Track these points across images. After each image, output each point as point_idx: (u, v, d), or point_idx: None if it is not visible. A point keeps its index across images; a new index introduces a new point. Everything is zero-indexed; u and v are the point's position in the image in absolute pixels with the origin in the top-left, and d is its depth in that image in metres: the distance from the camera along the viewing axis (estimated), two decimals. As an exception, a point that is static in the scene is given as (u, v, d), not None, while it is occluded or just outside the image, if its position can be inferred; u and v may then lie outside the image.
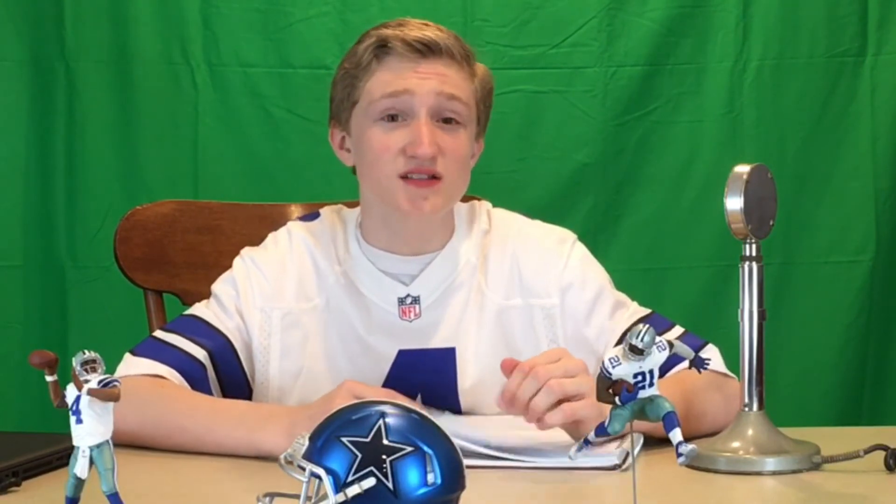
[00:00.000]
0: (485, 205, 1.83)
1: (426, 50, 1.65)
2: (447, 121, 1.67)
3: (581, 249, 1.78)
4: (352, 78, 1.70)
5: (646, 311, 1.76)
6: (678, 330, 1.72)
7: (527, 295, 1.73)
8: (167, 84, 2.81)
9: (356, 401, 1.14)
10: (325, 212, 1.81)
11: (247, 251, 1.79)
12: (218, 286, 1.76)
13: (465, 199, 1.84)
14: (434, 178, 1.65)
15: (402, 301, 1.72)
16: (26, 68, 2.80)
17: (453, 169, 1.66)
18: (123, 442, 1.37)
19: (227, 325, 1.72)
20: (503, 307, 1.73)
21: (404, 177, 1.65)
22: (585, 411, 1.46)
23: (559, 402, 1.46)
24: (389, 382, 1.68)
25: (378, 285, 1.72)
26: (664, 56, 2.85)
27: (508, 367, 1.50)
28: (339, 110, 1.73)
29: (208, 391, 1.69)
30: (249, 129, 2.83)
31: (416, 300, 1.72)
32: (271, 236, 1.80)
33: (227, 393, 1.71)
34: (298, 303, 1.74)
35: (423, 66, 1.65)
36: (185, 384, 1.67)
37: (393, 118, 1.66)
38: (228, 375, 1.72)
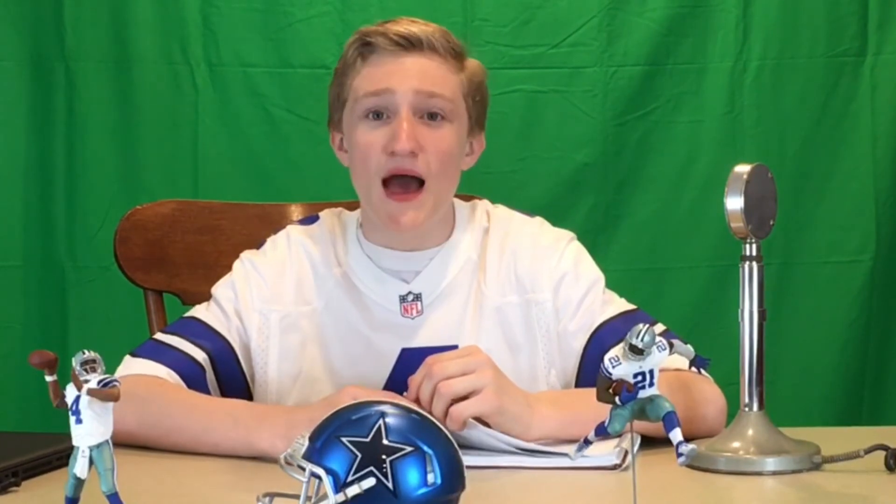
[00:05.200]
0: (485, 204, 1.83)
1: (408, 45, 1.66)
2: (433, 116, 1.67)
3: (576, 247, 1.79)
4: (341, 76, 1.72)
5: (631, 306, 1.76)
6: (659, 328, 1.72)
7: (523, 291, 1.74)
8: (167, 84, 2.81)
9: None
10: (325, 215, 1.81)
11: (246, 254, 1.79)
12: (217, 289, 1.76)
13: (467, 197, 1.85)
14: (416, 181, 1.65)
15: (403, 299, 1.72)
16: (26, 68, 2.80)
17: (436, 167, 1.66)
18: (122, 442, 1.37)
19: (226, 327, 1.73)
20: (501, 304, 1.73)
21: (387, 182, 1.66)
22: (474, 408, 1.49)
23: (453, 402, 1.49)
24: (392, 381, 1.68)
25: (379, 284, 1.73)
26: (664, 56, 2.85)
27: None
28: (333, 110, 1.75)
29: (207, 393, 1.69)
30: (249, 129, 2.83)
31: (417, 297, 1.72)
32: (270, 240, 1.80)
33: (226, 395, 1.71)
34: (297, 306, 1.74)
35: (406, 62, 1.66)
36: (184, 385, 1.67)
37: (378, 116, 1.67)
38: (228, 377, 1.72)
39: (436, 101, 1.66)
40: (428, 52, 1.67)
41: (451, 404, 1.49)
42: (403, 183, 1.66)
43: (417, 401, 1.50)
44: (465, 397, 1.50)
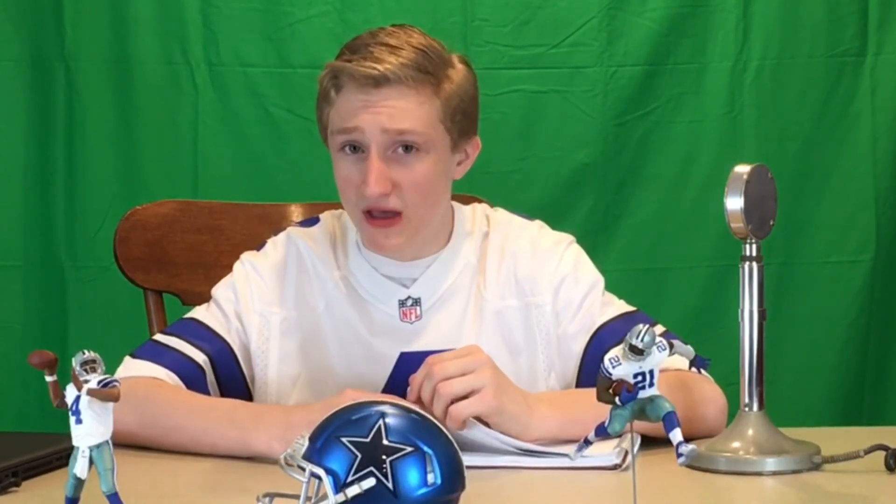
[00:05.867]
0: (484, 207, 1.82)
1: (375, 82, 1.63)
2: (407, 148, 1.65)
3: (576, 250, 1.78)
4: (321, 104, 1.70)
5: (631, 308, 1.76)
6: (659, 329, 1.72)
7: (522, 294, 1.73)
8: (167, 84, 2.81)
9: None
10: (325, 217, 1.81)
11: (246, 256, 1.78)
12: (217, 290, 1.76)
13: (466, 200, 1.84)
14: (396, 213, 1.65)
15: (402, 303, 1.72)
16: (26, 68, 2.80)
17: (413, 200, 1.65)
18: (121, 442, 1.36)
19: (226, 328, 1.72)
20: (501, 308, 1.73)
21: (368, 211, 1.65)
22: (473, 408, 1.50)
23: (453, 402, 1.50)
24: (391, 385, 1.68)
25: (378, 288, 1.72)
26: (664, 56, 2.85)
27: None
28: (321, 131, 1.74)
29: (206, 394, 1.69)
30: (249, 129, 2.83)
31: (416, 302, 1.72)
32: (270, 242, 1.79)
33: (226, 397, 1.71)
34: (297, 308, 1.73)
35: (375, 98, 1.63)
36: (183, 387, 1.67)
37: (354, 149, 1.66)
38: (228, 379, 1.72)
39: (406, 136, 1.63)
40: (397, 85, 1.63)
41: (451, 404, 1.49)
42: (382, 215, 1.66)
43: (419, 400, 1.51)
44: (465, 397, 1.50)
